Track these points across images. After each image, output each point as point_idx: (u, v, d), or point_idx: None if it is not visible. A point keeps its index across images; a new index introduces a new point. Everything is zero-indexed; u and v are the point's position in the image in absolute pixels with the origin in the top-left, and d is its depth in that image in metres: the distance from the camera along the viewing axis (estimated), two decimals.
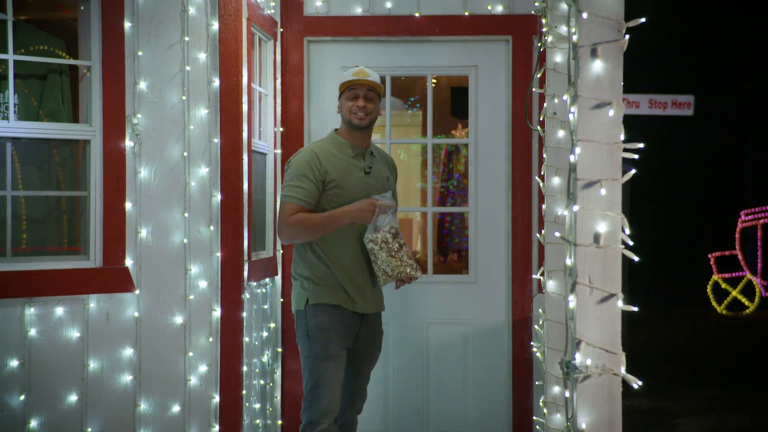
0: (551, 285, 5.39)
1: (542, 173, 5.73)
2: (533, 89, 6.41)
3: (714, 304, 21.61)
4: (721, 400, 12.11)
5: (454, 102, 8.78)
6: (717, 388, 12.87)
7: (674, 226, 27.63)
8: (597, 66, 3.43)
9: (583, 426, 3.44)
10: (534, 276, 6.82)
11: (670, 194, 28.24)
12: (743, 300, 21.35)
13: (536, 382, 6.88)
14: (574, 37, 3.52)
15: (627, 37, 3.44)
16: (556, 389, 5.34)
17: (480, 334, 7.41)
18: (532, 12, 6.74)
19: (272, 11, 7.08)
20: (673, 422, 11.06)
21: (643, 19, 3.46)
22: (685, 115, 17.40)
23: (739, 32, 24.69)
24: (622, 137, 3.54)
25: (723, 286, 21.63)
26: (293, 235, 5.71)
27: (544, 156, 5.61)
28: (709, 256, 21.97)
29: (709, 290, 21.76)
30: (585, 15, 3.43)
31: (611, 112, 3.43)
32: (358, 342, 5.93)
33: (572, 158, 3.48)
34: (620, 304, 3.47)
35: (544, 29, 5.67)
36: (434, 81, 7.85)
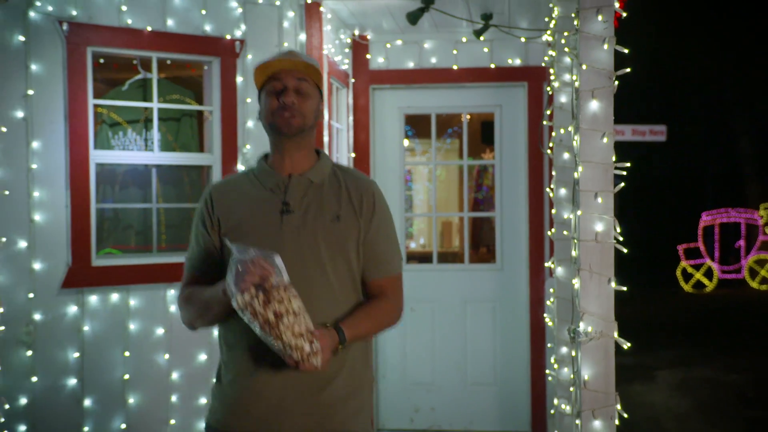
0: (559, 271, 5.39)
1: (552, 186, 5.73)
2: (544, 122, 6.42)
3: (682, 284, 21.47)
4: (688, 357, 12.05)
5: (484, 132, 8.76)
6: (685, 348, 12.80)
7: (652, 226, 27.41)
8: (594, 105, 3.45)
9: (586, 377, 3.48)
10: (546, 264, 6.81)
11: (648, 202, 28.03)
12: (704, 281, 21.24)
13: (548, 345, 6.86)
14: (576, 83, 3.54)
15: (617, 83, 3.46)
16: (564, 350, 5.35)
17: (505, 308, 7.39)
18: (542, 64, 6.77)
19: (346, 66, 7.11)
20: (652, 374, 11.01)
21: (627, 69, 3.47)
22: (660, 141, 17.32)
23: (702, 78, 24.47)
24: (614, 159, 3.57)
25: (689, 270, 21.50)
26: (187, 317, 3.03)
27: (553, 173, 5.60)
28: (678, 247, 21.84)
29: (678, 274, 21.62)
30: (584, 67, 3.45)
31: (605, 140, 3.45)
32: None
33: (576, 174, 3.52)
34: (613, 285, 3.51)
35: (552, 77, 5.68)
36: (468, 116, 7.84)
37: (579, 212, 3.46)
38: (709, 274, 21.35)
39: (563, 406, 5.28)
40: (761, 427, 8.44)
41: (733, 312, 17.35)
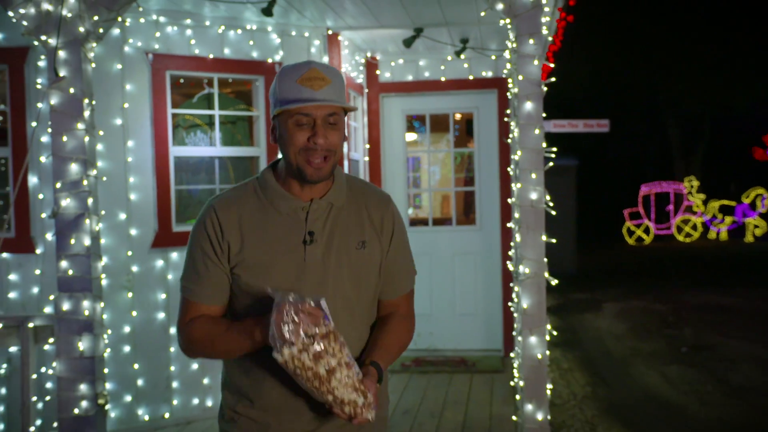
0: (516, 229, 5.46)
1: (511, 167, 5.77)
2: (506, 119, 6.46)
3: (627, 238, 21.38)
4: (628, 293, 12.04)
5: (467, 127, 8.79)
6: (627, 286, 12.78)
7: (604, 196, 27.26)
8: (528, 105, 3.49)
9: (525, 306, 3.51)
10: (508, 224, 6.88)
11: (602, 178, 27.83)
12: (643, 236, 21.15)
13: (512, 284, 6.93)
14: (515, 90, 3.58)
15: (545, 89, 3.50)
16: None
17: (484, 258, 7.43)
18: (503, 75, 6.80)
19: (360, 80, 7.15)
20: (600, 305, 11.03)
21: (553, 79, 3.51)
22: (605, 132, 17.24)
23: (638, 81, 24.23)
24: (544, 145, 3.60)
25: (632, 228, 21.41)
26: (198, 352, 2.11)
27: (513, 157, 5.66)
28: (624, 211, 21.76)
29: (624, 231, 21.53)
30: (521, 77, 3.50)
31: (536, 131, 3.49)
32: None
33: (516, 157, 3.56)
34: (544, 238, 3.53)
35: (510, 85, 5.71)
36: (459, 116, 7.88)
37: (519, 185, 3.51)
38: (646, 231, 21.28)
39: (517, 326, 5.35)
40: (676, 341, 8.49)
41: (664, 259, 17.27)
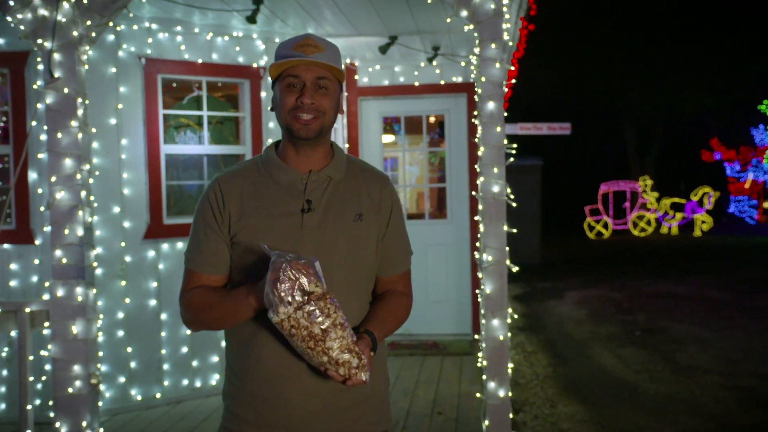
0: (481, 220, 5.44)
1: (477, 164, 5.76)
2: (474, 121, 6.44)
3: (587, 233, 21.51)
4: (588, 282, 12.11)
5: (440, 128, 8.78)
6: (587, 276, 12.86)
7: (568, 193, 27.39)
8: (491, 105, 3.46)
9: (488, 291, 3.48)
10: (476, 218, 6.86)
11: (565, 177, 27.98)
12: (602, 231, 21.30)
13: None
14: (479, 91, 3.55)
15: (506, 90, 3.48)
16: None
17: (454, 250, 7.41)
18: (472, 80, 6.78)
19: None
20: (562, 294, 11.08)
21: (513, 81, 3.49)
22: (567, 134, 17.30)
23: (597, 88, 24.36)
24: (505, 142, 3.58)
25: (592, 224, 21.55)
26: (196, 321, 1.96)
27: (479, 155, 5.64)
28: (585, 207, 21.87)
29: (585, 226, 21.66)
30: (484, 79, 3.47)
31: (498, 129, 3.46)
32: None
33: (479, 153, 3.53)
34: (505, 228, 3.51)
35: (477, 89, 5.69)
36: (430, 118, 7.85)
37: (482, 179, 3.48)
38: (605, 226, 21.41)
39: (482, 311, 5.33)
40: (630, 325, 8.53)
41: (621, 251, 17.39)
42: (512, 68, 4.30)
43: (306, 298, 1.68)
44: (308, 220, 1.91)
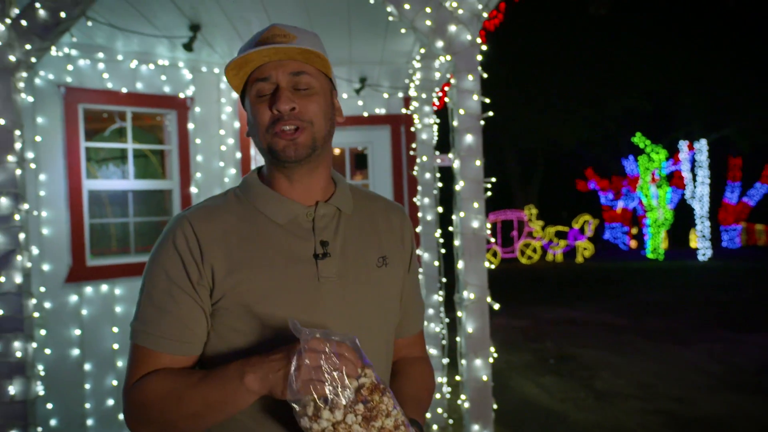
0: (426, 256, 5.42)
1: (417, 197, 5.70)
2: (411, 152, 6.41)
3: None
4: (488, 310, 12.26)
5: (361, 160, 8.68)
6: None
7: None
8: (469, 138, 3.40)
9: (469, 330, 3.41)
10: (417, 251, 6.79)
11: (447, 207, 28.57)
12: (492, 259, 21.82)
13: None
14: (455, 123, 3.49)
15: (482, 123, 3.42)
16: (430, 311, 5.33)
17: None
18: (402, 111, 6.74)
19: None
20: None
21: (490, 113, 3.44)
22: (449, 165, 17.69)
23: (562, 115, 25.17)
24: (483, 176, 3.52)
25: None
26: (153, 421, 1.26)
27: (419, 188, 5.58)
28: None
29: None
30: (461, 112, 3.41)
31: (477, 162, 3.40)
32: None
33: (457, 188, 3.45)
34: (486, 264, 3.45)
35: (416, 121, 5.63)
36: (352, 150, 7.74)
37: (462, 214, 3.40)
38: (494, 254, 21.94)
39: (462, 350, 5.23)
40: (542, 353, 8.69)
41: (512, 279, 17.83)
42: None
43: (356, 395, 1.16)
44: (325, 268, 1.38)
